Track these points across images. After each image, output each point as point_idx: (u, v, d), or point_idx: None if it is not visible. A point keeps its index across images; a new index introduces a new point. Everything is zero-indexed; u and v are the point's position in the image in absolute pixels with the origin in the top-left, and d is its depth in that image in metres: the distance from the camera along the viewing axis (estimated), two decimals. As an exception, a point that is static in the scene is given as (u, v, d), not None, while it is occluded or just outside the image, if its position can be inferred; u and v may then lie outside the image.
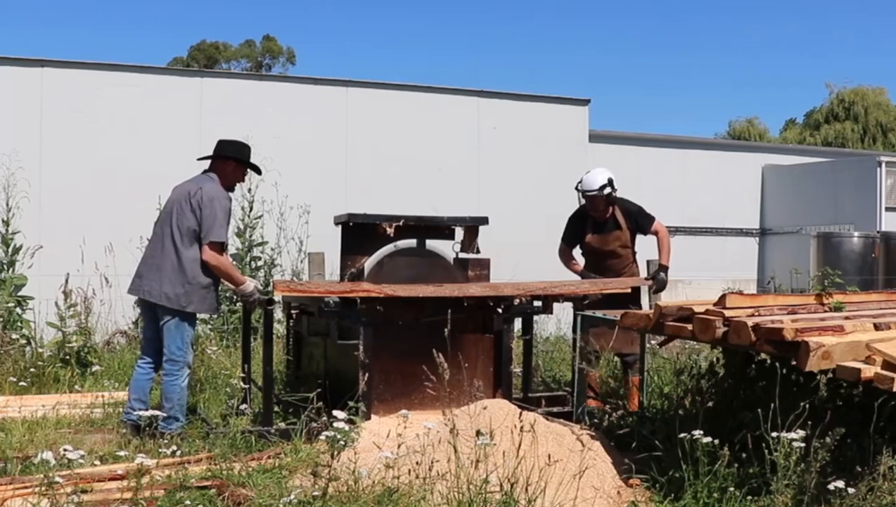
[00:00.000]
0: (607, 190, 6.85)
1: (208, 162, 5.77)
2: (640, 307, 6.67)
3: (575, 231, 7.11)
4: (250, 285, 5.74)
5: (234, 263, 9.83)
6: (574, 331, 6.03)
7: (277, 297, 5.78)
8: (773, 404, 4.05)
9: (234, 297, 6.05)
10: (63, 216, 9.66)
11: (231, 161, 5.71)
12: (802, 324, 4.26)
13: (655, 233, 7.08)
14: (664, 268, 6.97)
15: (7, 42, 72.19)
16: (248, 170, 5.85)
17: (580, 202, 7.07)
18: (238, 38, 54.01)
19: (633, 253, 7.16)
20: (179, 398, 5.51)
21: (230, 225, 5.69)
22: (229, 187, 5.71)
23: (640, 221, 7.06)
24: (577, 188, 7.04)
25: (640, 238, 7.19)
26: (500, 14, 74.10)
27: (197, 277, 5.46)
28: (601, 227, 6.99)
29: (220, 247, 5.51)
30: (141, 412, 5.00)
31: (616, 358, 6.92)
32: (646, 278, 7.11)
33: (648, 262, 9.12)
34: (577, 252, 7.20)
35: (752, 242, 16.48)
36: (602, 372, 6.97)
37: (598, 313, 6.04)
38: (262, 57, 45.28)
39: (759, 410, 4.12)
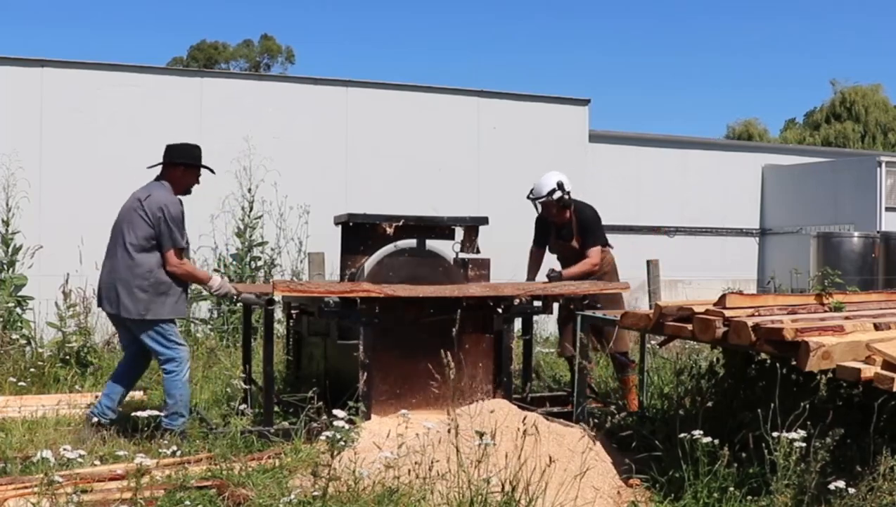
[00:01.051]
0: (557, 194, 6.67)
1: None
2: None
3: (542, 233, 7.03)
4: (217, 279, 5.75)
5: (234, 262, 9.85)
6: (574, 331, 6.02)
7: (277, 297, 5.77)
8: (772, 405, 4.05)
9: (235, 298, 6.05)
10: (63, 216, 9.65)
11: (179, 166, 5.67)
12: (802, 324, 4.26)
13: (585, 255, 6.74)
14: (559, 274, 6.64)
15: (7, 42, 72.22)
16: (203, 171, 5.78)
17: (536, 210, 6.95)
18: (237, 38, 54.01)
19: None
20: (182, 395, 5.50)
21: (185, 229, 5.62)
22: (184, 192, 5.68)
23: (587, 235, 6.78)
24: (527, 197, 6.90)
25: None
26: (500, 14, 74.15)
27: (157, 284, 5.42)
28: (561, 233, 6.87)
29: (180, 253, 5.49)
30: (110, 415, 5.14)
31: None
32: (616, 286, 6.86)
33: (649, 262, 9.15)
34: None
35: (752, 242, 16.47)
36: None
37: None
38: (261, 56, 45.28)
39: (760, 410, 4.12)
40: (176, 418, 5.41)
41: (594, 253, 6.70)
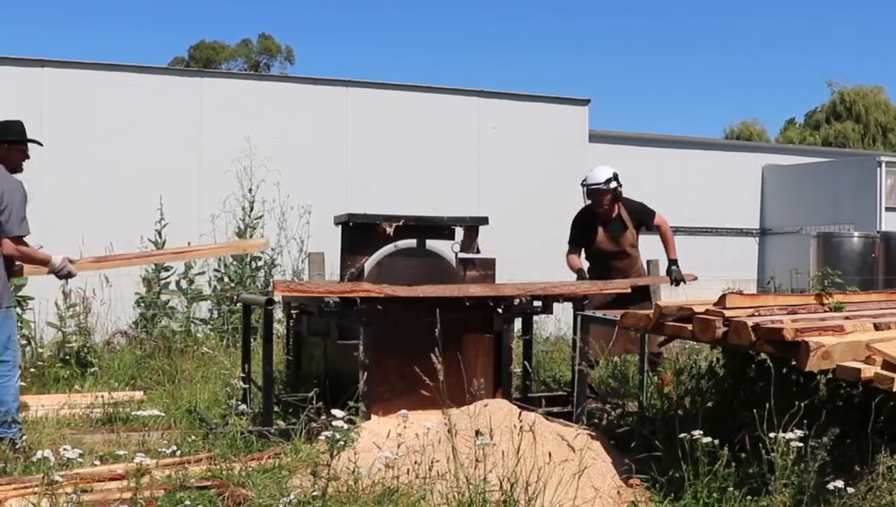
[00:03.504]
0: (613, 184, 6.84)
1: None
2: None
3: (581, 233, 7.07)
4: (57, 258, 5.54)
5: (234, 262, 9.85)
6: (574, 331, 6.03)
7: (277, 297, 5.77)
8: (771, 405, 4.05)
9: (235, 298, 6.04)
10: (63, 216, 9.65)
11: (2, 144, 5.47)
12: (802, 324, 4.26)
13: (658, 227, 7.09)
14: (674, 262, 7.00)
15: (7, 42, 72.22)
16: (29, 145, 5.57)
17: (585, 200, 7.04)
18: (236, 38, 53.96)
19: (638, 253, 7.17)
20: (15, 400, 5.33)
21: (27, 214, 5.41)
22: (14, 170, 5.49)
23: (644, 217, 7.06)
24: (582, 184, 7.02)
25: (641, 238, 7.19)
26: (500, 14, 74.10)
27: (2, 273, 5.30)
28: (609, 227, 6.97)
29: (21, 240, 5.34)
30: None
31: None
32: (664, 276, 7.12)
33: (648, 262, 9.13)
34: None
35: (752, 242, 16.48)
36: (602, 372, 6.98)
37: (602, 315, 6.03)
38: (260, 56, 45.26)
39: (758, 410, 4.12)
40: (12, 426, 5.20)
41: (661, 219, 7.09)
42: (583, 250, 7.12)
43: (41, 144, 5.72)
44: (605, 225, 6.97)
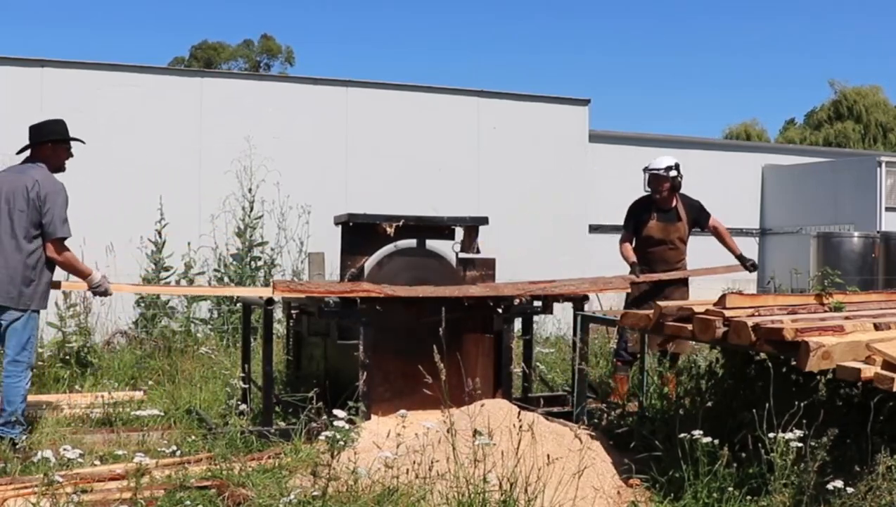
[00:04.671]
0: (673, 173, 6.96)
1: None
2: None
3: (634, 216, 7.15)
4: (97, 275, 5.59)
5: (234, 262, 9.85)
6: (574, 331, 6.03)
7: (277, 297, 5.77)
8: (770, 405, 4.05)
9: (235, 298, 6.04)
10: (63, 216, 9.63)
11: (47, 144, 5.53)
12: (802, 324, 4.26)
13: (714, 228, 7.27)
14: (741, 256, 7.29)
15: (7, 42, 72.24)
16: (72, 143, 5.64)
17: (645, 189, 7.12)
18: (237, 38, 53.97)
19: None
20: (23, 401, 5.35)
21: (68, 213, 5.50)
22: (57, 169, 5.55)
23: (700, 215, 7.24)
24: (644, 169, 7.12)
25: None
26: (500, 14, 74.14)
27: (41, 274, 5.35)
28: (664, 215, 7.06)
29: (63, 243, 5.40)
30: None
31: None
32: (738, 265, 7.34)
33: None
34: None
35: (752, 242, 16.47)
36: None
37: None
38: (261, 56, 45.28)
39: (758, 410, 4.12)
40: (16, 426, 5.23)
41: (717, 220, 7.36)
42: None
43: (84, 143, 5.74)
44: (660, 213, 7.03)
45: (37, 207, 5.29)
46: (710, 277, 7.84)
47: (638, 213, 7.14)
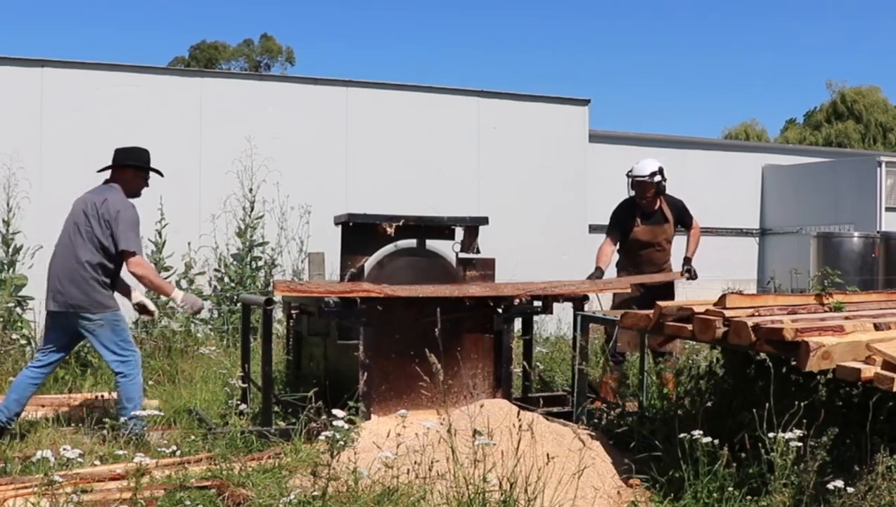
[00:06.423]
0: (657, 178, 6.96)
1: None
2: None
3: (620, 221, 7.14)
4: (179, 294, 5.77)
5: (234, 262, 9.85)
6: (574, 331, 6.03)
7: (277, 297, 5.77)
8: (770, 405, 4.05)
9: (235, 298, 6.08)
10: (63, 216, 9.56)
11: (129, 169, 5.72)
12: (802, 324, 4.26)
13: (691, 228, 7.32)
14: (689, 260, 7.15)
15: (7, 42, 72.22)
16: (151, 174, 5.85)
17: (629, 192, 7.10)
18: (237, 38, 53.99)
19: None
20: (140, 396, 5.59)
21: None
22: (132, 194, 5.71)
23: (684, 215, 7.23)
24: (627, 175, 7.08)
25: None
26: (501, 14, 74.13)
27: (108, 283, 5.52)
28: (650, 218, 7.05)
29: (136, 257, 5.54)
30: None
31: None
32: (679, 272, 7.21)
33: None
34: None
35: (752, 242, 16.47)
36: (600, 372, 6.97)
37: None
38: (261, 56, 45.27)
39: (758, 410, 4.12)
40: (140, 420, 5.43)
41: (697, 224, 7.35)
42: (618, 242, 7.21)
43: (162, 175, 5.92)
44: (645, 217, 7.04)
45: (103, 222, 5.48)
46: (711, 278, 7.89)
47: (623, 218, 7.13)
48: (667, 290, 7.02)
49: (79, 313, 5.44)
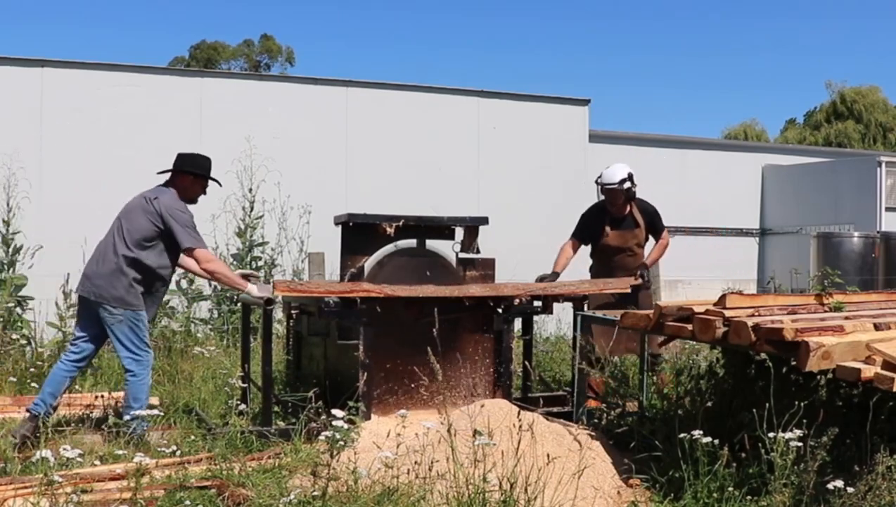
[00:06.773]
0: (627, 185, 6.88)
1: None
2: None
3: (588, 227, 7.08)
4: (253, 288, 5.72)
5: (234, 262, 9.85)
6: (574, 331, 6.03)
7: (277, 297, 5.77)
8: (770, 405, 4.05)
9: (235, 297, 6.08)
10: (63, 216, 9.65)
11: (188, 175, 5.70)
12: (802, 324, 4.26)
13: (659, 239, 7.18)
14: (645, 266, 6.96)
15: (7, 42, 72.23)
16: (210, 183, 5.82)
17: (598, 197, 7.06)
18: (237, 38, 53.98)
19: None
20: (147, 397, 5.60)
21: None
22: (189, 200, 5.71)
23: (657, 222, 7.13)
24: (596, 182, 7.05)
25: None
26: (501, 14, 74.15)
27: (138, 280, 5.49)
28: (620, 223, 7.00)
29: (199, 253, 5.56)
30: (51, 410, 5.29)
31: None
32: (634, 277, 7.02)
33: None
34: (582, 251, 7.16)
35: (752, 242, 16.47)
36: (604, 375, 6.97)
37: (601, 314, 6.04)
38: (261, 56, 45.25)
39: (758, 410, 4.12)
40: (144, 421, 5.42)
41: (667, 234, 7.20)
42: (590, 246, 7.14)
43: (220, 185, 5.94)
44: (615, 222, 7.00)
45: (153, 219, 5.46)
46: (711, 278, 7.80)
47: (591, 223, 7.07)
48: (633, 297, 6.77)
49: (101, 302, 5.46)
